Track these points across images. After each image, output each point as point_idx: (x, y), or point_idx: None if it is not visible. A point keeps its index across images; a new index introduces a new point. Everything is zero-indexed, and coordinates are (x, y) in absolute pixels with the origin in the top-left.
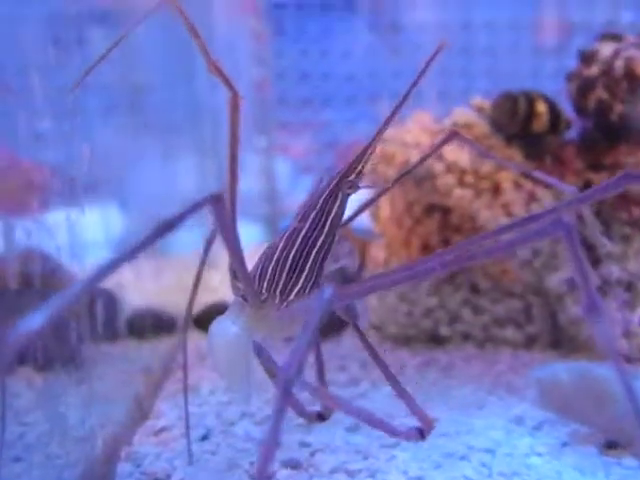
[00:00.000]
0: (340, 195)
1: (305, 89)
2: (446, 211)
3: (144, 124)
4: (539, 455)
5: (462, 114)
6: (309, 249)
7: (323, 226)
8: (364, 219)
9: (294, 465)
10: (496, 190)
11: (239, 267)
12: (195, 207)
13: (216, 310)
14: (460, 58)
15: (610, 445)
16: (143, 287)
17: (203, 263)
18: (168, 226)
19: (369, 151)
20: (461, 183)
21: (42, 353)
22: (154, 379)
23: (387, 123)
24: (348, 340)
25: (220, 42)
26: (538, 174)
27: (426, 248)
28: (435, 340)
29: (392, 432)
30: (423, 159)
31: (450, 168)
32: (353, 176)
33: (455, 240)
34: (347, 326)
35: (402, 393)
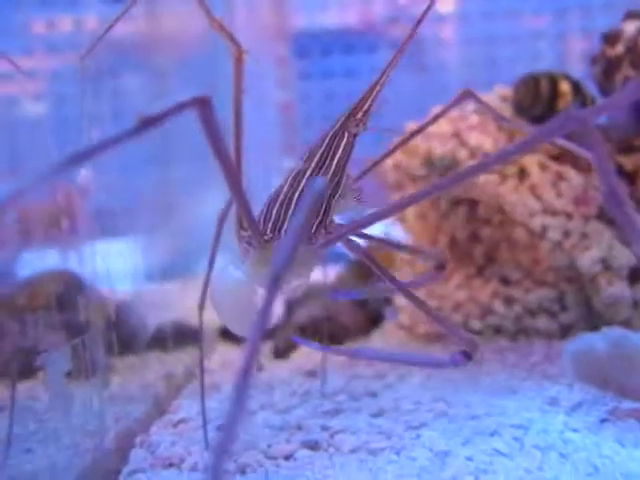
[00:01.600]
0: (346, 134)
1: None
2: (473, 204)
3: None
4: (575, 431)
5: (487, 98)
6: None
7: (330, 165)
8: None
9: (312, 446)
10: (522, 173)
11: (232, 186)
12: (178, 108)
13: None
14: (484, 48)
15: None
16: (170, 304)
17: (217, 238)
18: (150, 122)
19: (375, 91)
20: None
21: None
22: (175, 382)
23: (390, 65)
24: (377, 338)
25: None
26: (558, 140)
27: (454, 244)
28: None
29: (436, 364)
30: (435, 119)
31: (474, 153)
32: (360, 115)
33: (484, 234)
34: (378, 325)
35: (439, 318)
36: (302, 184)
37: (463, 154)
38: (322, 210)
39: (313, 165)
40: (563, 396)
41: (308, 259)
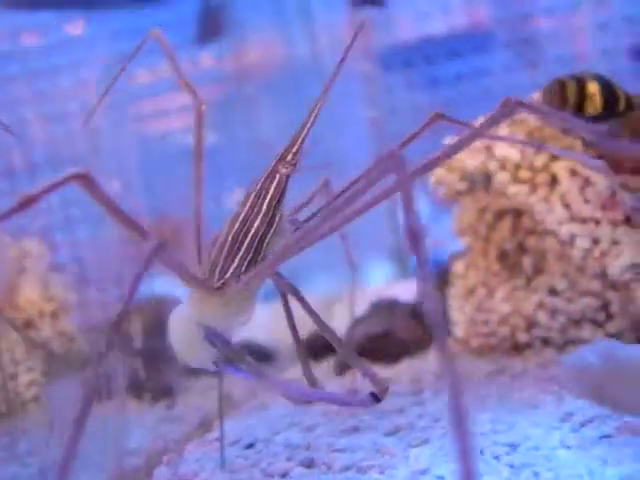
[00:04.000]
0: (277, 176)
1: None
2: (518, 214)
3: None
4: (568, 448)
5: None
6: (247, 229)
7: (261, 206)
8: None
9: (308, 464)
10: (553, 181)
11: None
12: (57, 184)
13: (320, 339)
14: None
15: None
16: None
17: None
18: (29, 200)
19: (303, 133)
20: (515, 179)
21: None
22: (229, 402)
23: (316, 106)
24: (435, 353)
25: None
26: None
27: (504, 255)
28: (516, 348)
29: (343, 403)
30: (408, 141)
31: (503, 164)
32: (290, 157)
33: (530, 244)
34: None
35: (351, 359)
36: (236, 225)
37: (493, 166)
38: (253, 250)
39: (247, 208)
40: (580, 411)
41: (243, 299)
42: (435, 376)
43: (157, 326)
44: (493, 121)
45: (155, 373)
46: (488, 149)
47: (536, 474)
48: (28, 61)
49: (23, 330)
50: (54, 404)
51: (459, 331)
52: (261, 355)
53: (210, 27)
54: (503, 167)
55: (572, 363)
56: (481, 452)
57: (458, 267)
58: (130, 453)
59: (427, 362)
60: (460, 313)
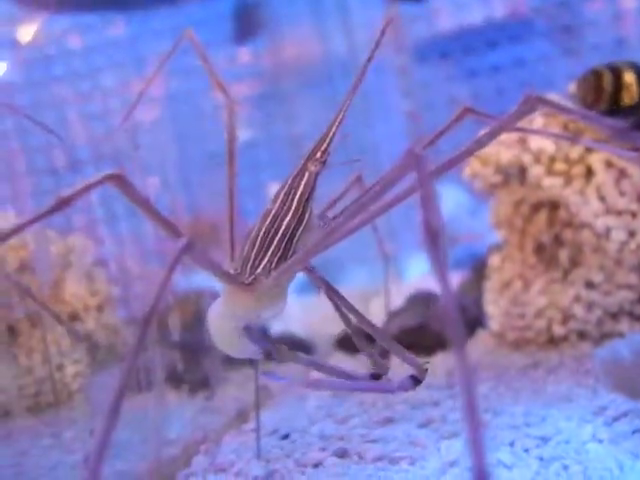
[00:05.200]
0: (307, 174)
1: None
2: (554, 206)
3: None
4: (600, 442)
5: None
6: (277, 226)
7: (291, 203)
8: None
9: (341, 454)
10: (588, 173)
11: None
12: (93, 184)
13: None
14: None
15: None
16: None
17: None
18: (65, 200)
19: (332, 131)
20: (550, 171)
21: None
22: (266, 393)
23: (345, 104)
24: (470, 346)
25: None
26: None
27: (540, 248)
28: (551, 341)
29: (384, 390)
30: (436, 137)
31: (538, 158)
32: (319, 155)
33: (566, 236)
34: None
35: (388, 344)
36: (267, 222)
37: (527, 159)
38: (283, 246)
39: (277, 204)
40: (613, 405)
41: (275, 294)
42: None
43: (195, 319)
44: (513, 119)
45: (193, 365)
46: (522, 142)
47: (565, 467)
48: (71, 63)
49: (68, 323)
50: (95, 394)
51: (495, 324)
52: (298, 347)
53: (247, 24)
54: (537, 160)
55: (605, 357)
56: (511, 445)
57: (494, 260)
58: (169, 443)
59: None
60: (496, 306)
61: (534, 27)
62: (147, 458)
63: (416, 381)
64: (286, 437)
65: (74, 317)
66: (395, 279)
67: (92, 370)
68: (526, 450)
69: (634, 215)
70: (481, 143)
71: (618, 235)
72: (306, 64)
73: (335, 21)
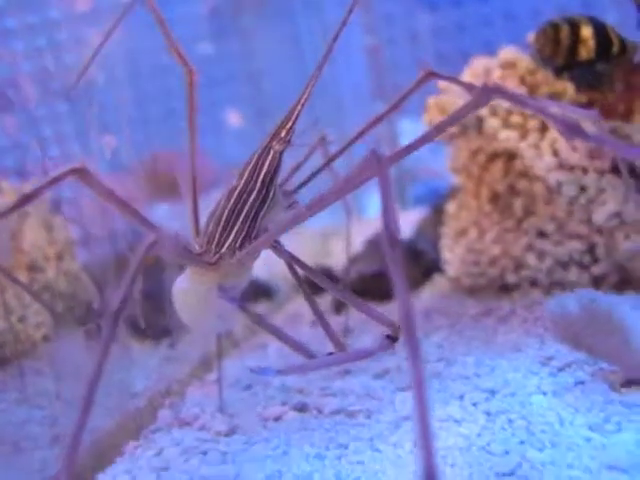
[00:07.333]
0: (271, 152)
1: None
2: (510, 156)
3: None
4: (544, 394)
5: (506, 53)
6: (242, 204)
7: (256, 182)
8: None
9: (300, 408)
10: (543, 127)
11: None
12: (56, 179)
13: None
14: None
15: (629, 383)
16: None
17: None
18: (29, 197)
19: (297, 110)
20: (507, 124)
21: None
22: (230, 341)
23: (311, 82)
24: (427, 290)
25: (330, 15)
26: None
27: (495, 197)
28: (504, 289)
29: (366, 356)
30: (399, 102)
31: (495, 110)
32: (283, 133)
33: (521, 186)
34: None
35: (354, 303)
36: (232, 200)
37: (484, 111)
38: (247, 225)
39: (242, 182)
40: (559, 355)
41: (240, 272)
42: (425, 316)
43: (156, 265)
44: (469, 110)
45: (157, 313)
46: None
47: (510, 421)
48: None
49: (26, 285)
50: (59, 360)
51: (451, 270)
52: (262, 291)
53: None
54: (494, 112)
55: (553, 309)
56: (461, 398)
57: (451, 207)
58: (134, 396)
59: (420, 301)
60: (452, 253)
61: None
62: (113, 413)
63: (393, 339)
64: (248, 388)
65: (33, 267)
66: (356, 215)
67: (55, 323)
68: (474, 404)
69: (585, 171)
70: (439, 129)
71: (569, 190)
72: None
73: None
